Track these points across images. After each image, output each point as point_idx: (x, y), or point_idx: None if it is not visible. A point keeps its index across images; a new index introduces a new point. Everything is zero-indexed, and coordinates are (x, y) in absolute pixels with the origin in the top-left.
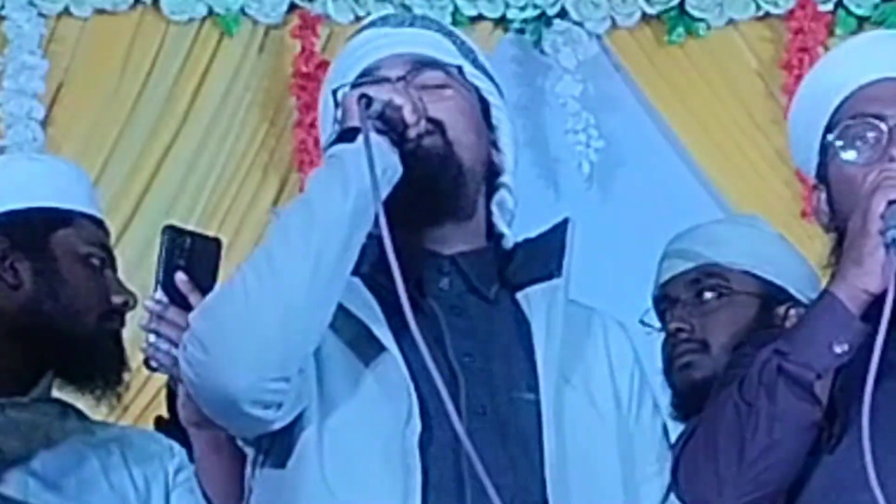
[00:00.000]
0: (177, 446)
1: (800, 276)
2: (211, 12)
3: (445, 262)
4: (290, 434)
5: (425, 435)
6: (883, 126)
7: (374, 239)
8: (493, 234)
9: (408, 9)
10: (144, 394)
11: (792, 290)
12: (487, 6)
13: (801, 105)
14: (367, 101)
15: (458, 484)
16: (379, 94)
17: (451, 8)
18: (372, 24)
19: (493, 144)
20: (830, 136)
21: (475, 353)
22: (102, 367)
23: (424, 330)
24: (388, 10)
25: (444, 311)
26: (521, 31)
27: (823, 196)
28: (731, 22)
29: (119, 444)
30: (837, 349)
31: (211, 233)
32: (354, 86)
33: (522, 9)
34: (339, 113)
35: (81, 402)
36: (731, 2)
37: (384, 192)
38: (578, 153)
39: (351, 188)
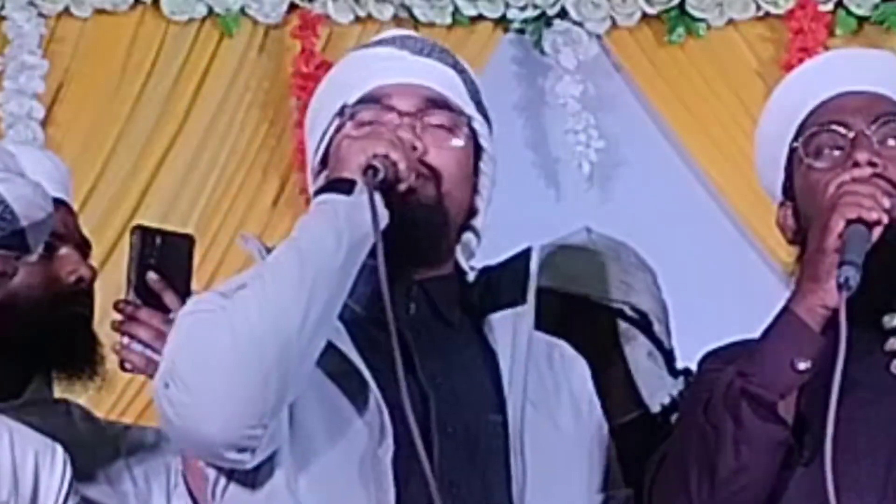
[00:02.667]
0: None
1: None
2: (211, 12)
3: (414, 287)
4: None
5: (399, 455)
6: (847, 133)
7: None
8: (459, 267)
9: (407, 9)
10: (146, 391)
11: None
12: (487, 6)
13: (768, 121)
14: (373, 171)
15: (430, 502)
16: (377, 147)
17: (451, 8)
18: (390, 41)
19: (475, 188)
20: (796, 144)
21: (443, 376)
22: (67, 353)
23: (396, 351)
24: (388, 10)
25: (412, 334)
26: (521, 31)
27: (789, 211)
28: (731, 22)
29: (120, 441)
30: (800, 366)
31: (201, 240)
32: (360, 102)
33: (522, 9)
34: (334, 155)
35: (83, 400)
36: (731, 2)
37: (371, 243)
38: (578, 153)
39: (344, 241)
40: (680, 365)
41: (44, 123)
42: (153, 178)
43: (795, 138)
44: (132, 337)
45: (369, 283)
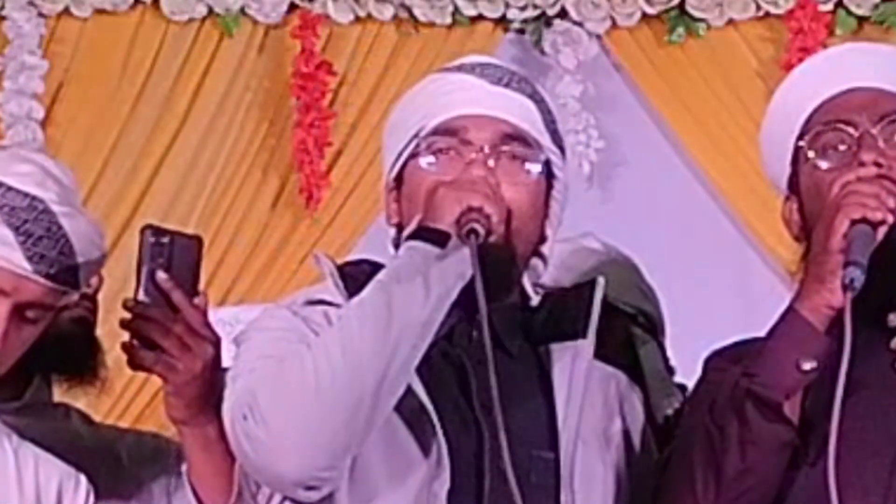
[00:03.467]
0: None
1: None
2: (211, 12)
3: (478, 316)
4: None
5: (454, 490)
6: (853, 132)
7: None
8: (523, 291)
9: (407, 9)
10: (144, 394)
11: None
12: (487, 6)
13: (773, 118)
14: (475, 236)
15: None
16: (472, 199)
17: (451, 8)
18: (469, 69)
19: (546, 216)
20: (802, 143)
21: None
22: (68, 356)
23: (452, 379)
24: (388, 10)
25: (471, 363)
26: (521, 31)
27: (795, 206)
28: (731, 22)
29: (120, 445)
30: (805, 366)
31: (191, 231)
32: (435, 132)
33: (522, 9)
34: (424, 195)
35: (82, 403)
36: (731, 2)
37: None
38: (578, 153)
39: (432, 296)
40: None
41: (44, 123)
42: (153, 178)
43: (800, 136)
44: (140, 335)
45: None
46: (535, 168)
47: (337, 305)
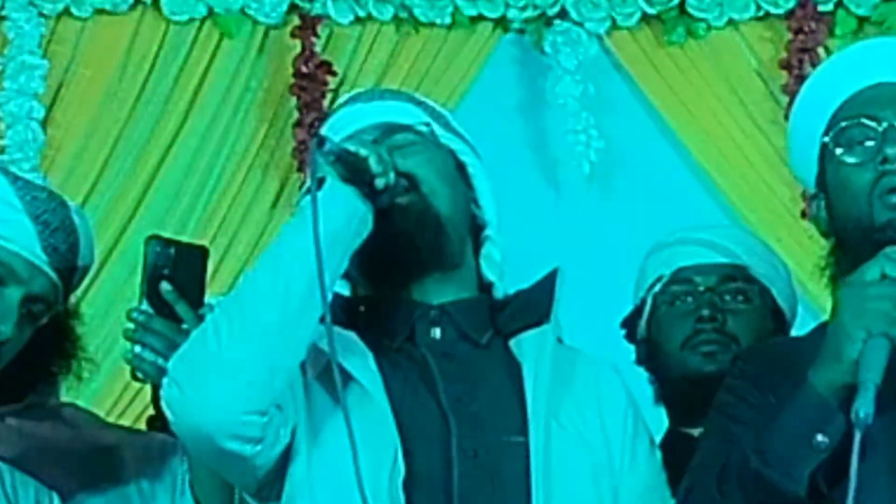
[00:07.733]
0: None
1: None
2: (211, 12)
3: (435, 312)
4: (283, 480)
5: (410, 478)
6: (877, 126)
7: (366, 299)
8: (484, 285)
9: (408, 9)
10: (144, 394)
11: (788, 317)
12: (487, 6)
13: (800, 113)
14: (320, 140)
15: None
16: (345, 145)
17: (450, 8)
18: (345, 103)
19: (473, 201)
20: (826, 139)
21: (467, 397)
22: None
23: (416, 375)
24: (388, 10)
25: (435, 358)
26: (521, 32)
27: (823, 203)
28: (731, 22)
29: (125, 446)
30: (819, 438)
31: (201, 240)
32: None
33: (522, 9)
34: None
35: (83, 401)
36: (731, 2)
37: (354, 244)
38: (578, 153)
39: (322, 227)
40: None
41: (44, 123)
42: (153, 178)
43: (826, 132)
44: (144, 346)
45: (396, 318)
46: (426, 145)
47: None
